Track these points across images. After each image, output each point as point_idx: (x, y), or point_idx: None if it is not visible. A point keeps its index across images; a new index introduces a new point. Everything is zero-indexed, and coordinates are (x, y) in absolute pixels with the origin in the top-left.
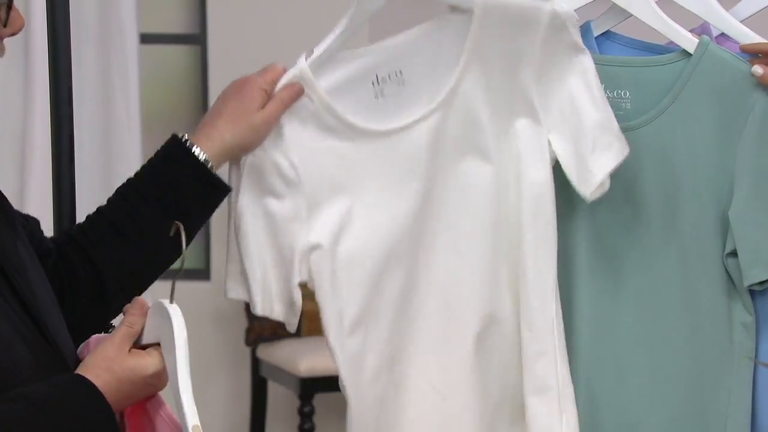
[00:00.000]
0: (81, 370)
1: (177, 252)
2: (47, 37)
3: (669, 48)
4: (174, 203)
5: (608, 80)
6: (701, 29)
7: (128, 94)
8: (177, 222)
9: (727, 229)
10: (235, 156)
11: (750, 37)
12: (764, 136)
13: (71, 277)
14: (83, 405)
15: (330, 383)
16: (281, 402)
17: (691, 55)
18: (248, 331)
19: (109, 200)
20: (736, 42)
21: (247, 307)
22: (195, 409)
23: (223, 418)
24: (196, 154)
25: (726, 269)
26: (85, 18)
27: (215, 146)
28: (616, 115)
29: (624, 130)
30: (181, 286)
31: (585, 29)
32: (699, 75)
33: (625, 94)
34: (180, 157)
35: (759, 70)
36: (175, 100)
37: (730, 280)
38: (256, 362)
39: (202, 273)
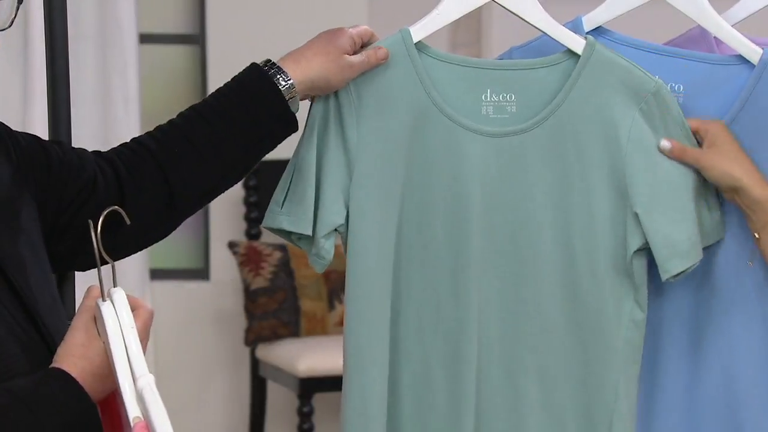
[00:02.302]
0: (56, 363)
1: (244, 173)
2: (45, 38)
3: (666, 49)
4: (250, 132)
5: (495, 84)
6: (699, 28)
7: (127, 94)
8: (90, 220)
9: (617, 228)
10: (316, 90)
11: (741, 41)
12: (656, 130)
13: (139, 190)
14: (62, 397)
15: (329, 383)
16: (280, 402)
17: (576, 55)
18: (247, 331)
19: (184, 116)
20: (728, 46)
21: (247, 306)
22: (134, 402)
23: (223, 418)
24: (280, 87)
25: (624, 267)
26: (84, 18)
27: (302, 73)
28: (500, 120)
29: (508, 134)
30: (181, 285)
31: (576, 25)
32: (587, 76)
33: (510, 97)
34: (264, 89)
35: (667, 144)
36: (174, 100)
37: (622, 278)
38: (255, 362)
39: (202, 273)
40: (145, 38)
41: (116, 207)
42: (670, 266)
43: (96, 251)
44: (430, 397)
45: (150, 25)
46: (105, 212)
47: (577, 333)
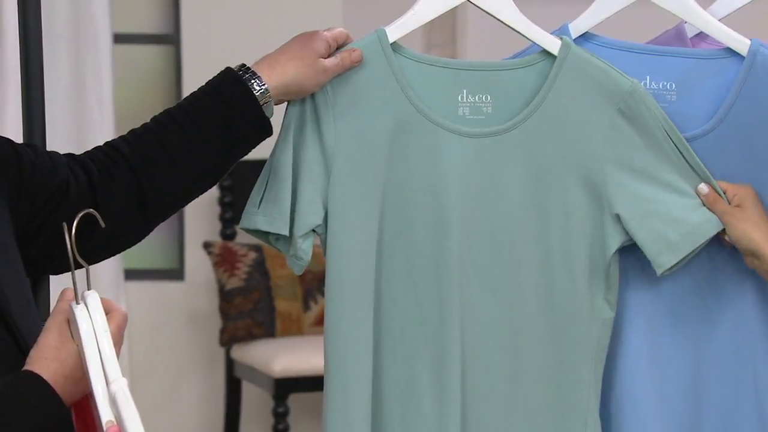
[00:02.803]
0: (28, 365)
1: (217, 179)
2: (19, 38)
3: (653, 48)
4: (224, 137)
5: (471, 85)
6: (675, 30)
7: (101, 94)
8: (64, 222)
9: (595, 229)
10: (290, 95)
11: (729, 34)
12: (638, 128)
13: (111, 194)
14: (34, 400)
15: (304, 384)
16: (255, 402)
17: (552, 55)
18: (222, 331)
19: (158, 121)
20: (713, 41)
21: (221, 307)
22: (107, 405)
23: (197, 418)
24: (255, 92)
25: (598, 266)
26: (58, 18)
27: (276, 78)
28: (476, 121)
29: (485, 135)
30: (155, 286)
31: (563, 32)
32: (564, 77)
33: (486, 98)
34: (238, 94)
35: (704, 189)
36: (148, 100)
37: (595, 277)
38: (230, 363)
39: (176, 273)
40: (119, 38)
41: (91, 210)
42: (663, 260)
43: (70, 254)
44: (415, 400)
45: (124, 25)
46: (79, 215)
47: (553, 333)
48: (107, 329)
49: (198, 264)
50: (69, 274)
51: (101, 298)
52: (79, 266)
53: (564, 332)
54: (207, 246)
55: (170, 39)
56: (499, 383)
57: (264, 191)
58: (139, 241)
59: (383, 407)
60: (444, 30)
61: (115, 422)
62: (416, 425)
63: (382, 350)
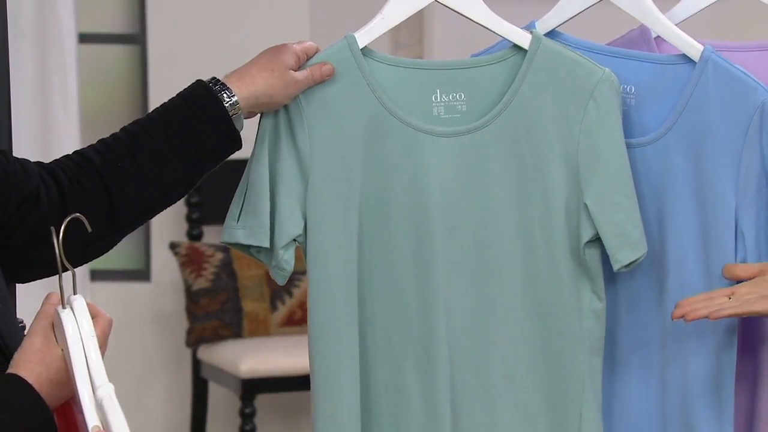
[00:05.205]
0: (13, 368)
1: (186, 191)
2: None
3: (616, 50)
4: (194, 148)
5: (444, 84)
6: (640, 30)
7: (67, 94)
8: (52, 227)
9: (573, 219)
10: (261, 107)
11: (684, 39)
12: (607, 120)
13: (81, 204)
14: (18, 403)
15: (271, 384)
16: (222, 403)
17: (523, 50)
18: (189, 332)
19: (128, 131)
20: (671, 44)
21: (188, 307)
22: (94, 411)
23: (164, 419)
24: (224, 103)
25: (580, 258)
26: (22, 17)
27: (246, 90)
28: (451, 119)
29: (461, 133)
30: (121, 286)
31: (530, 29)
32: (536, 70)
33: (460, 96)
34: (209, 105)
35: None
36: (114, 100)
37: (579, 269)
38: (196, 363)
39: (142, 273)
40: (84, 38)
41: (78, 215)
42: (622, 256)
43: (58, 258)
44: (405, 403)
45: (90, 24)
46: (67, 219)
47: (541, 327)
48: (93, 334)
49: (164, 264)
50: (32, 282)
51: (87, 303)
52: (65, 270)
53: (552, 325)
54: (173, 246)
55: (136, 39)
56: (490, 380)
57: (242, 204)
58: (107, 251)
59: (372, 411)
60: (411, 30)
61: (101, 428)
62: (407, 427)
63: (368, 355)
